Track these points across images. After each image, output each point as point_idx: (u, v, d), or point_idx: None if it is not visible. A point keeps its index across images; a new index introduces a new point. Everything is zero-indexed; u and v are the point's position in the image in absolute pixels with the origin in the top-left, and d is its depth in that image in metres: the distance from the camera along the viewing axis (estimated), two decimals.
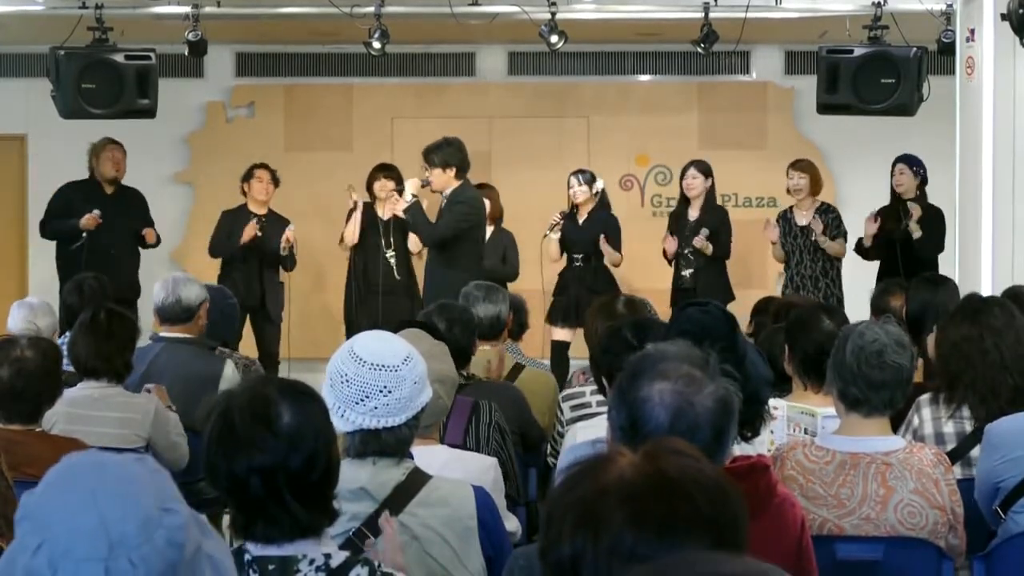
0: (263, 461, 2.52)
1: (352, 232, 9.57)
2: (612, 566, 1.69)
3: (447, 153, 8.43)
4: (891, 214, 9.36)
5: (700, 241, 9.35)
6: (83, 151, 9.82)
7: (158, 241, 9.79)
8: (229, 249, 9.68)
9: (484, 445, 4.53)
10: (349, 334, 9.33)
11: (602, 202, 9.61)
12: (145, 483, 1.66)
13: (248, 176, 9.88)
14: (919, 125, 9.69)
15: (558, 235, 9.49)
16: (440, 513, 3.09)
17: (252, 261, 9.75)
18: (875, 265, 9.44)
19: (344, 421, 3.04)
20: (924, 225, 9.08)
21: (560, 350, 9.43)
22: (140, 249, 9.73)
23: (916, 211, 9.08)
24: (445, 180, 8.42)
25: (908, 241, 9.08)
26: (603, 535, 1.69)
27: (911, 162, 9.34)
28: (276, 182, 9.91)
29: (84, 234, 9.28)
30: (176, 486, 1.70)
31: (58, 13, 9.49)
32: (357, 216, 9.53)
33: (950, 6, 9.06)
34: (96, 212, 9.28)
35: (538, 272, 9.54)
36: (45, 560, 1.59)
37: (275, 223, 9.83)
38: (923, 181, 9.31)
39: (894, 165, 9.40)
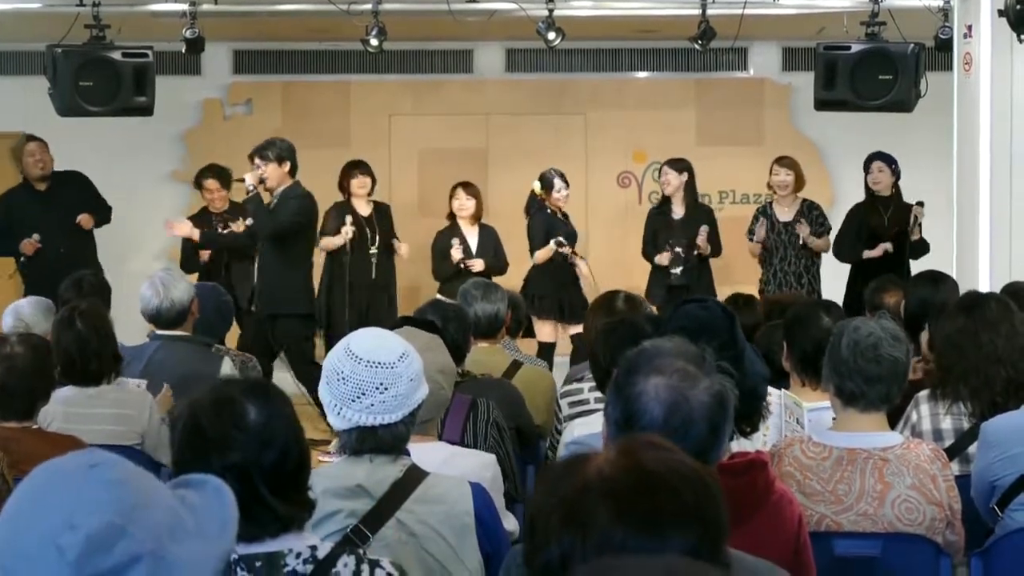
0: (236, 459, 2.52)
1: (333, 243, 9.51)
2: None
3: (281, 148, 8.51)
4: (868, 211, 9.39)
5: (703, 240, 9.39)
6: (81, 149, 9.82)
7: (101, 221, 9.74)
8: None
9: (482, 442, 4.53)
10: (329, 332, 9.32)
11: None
12: (57, 497, 1.63)
13: (199, 186, 9.99)
14: (916, 121, 9.69)
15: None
16: (438, 510, 3.09)
17: (220, 260, 9.75)
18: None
19: (341, 418, 3.04)
20: (901, 221, 9.16)
21: (546, 352, 9.44)
22: (94, 237, 9.73)
23: (922, 216, 9.10)
24: (280, 175, 8.48)
25: (899, 241, 9.12)
26: (591, 532, 1.69)
27: (888, 160, 9.38)
28: (228, 184, 9.91)
29: (23, 257, 9.42)
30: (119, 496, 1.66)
31: (55, 11, 9.48)
32: (342, 235, 9.48)
33: (947, 2, 9.05)
34: (35, 236, 9.37)
35: (519, 268, 9.60)
36: None
37: (237, 214, 9.84)
38: (897, 178, 9.37)
39: (870, 163, 9.43)
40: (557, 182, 9.64)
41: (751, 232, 9.67)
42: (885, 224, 9.28)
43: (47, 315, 6.15)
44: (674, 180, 9.63)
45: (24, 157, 9.69)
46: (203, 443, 2.54)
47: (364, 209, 9.64)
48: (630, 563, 1.54)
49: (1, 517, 1.64)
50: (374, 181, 9.78)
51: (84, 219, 9.64)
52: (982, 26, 8.04)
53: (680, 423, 2.52)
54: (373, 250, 9.53)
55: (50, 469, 1.69)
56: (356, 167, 9.77)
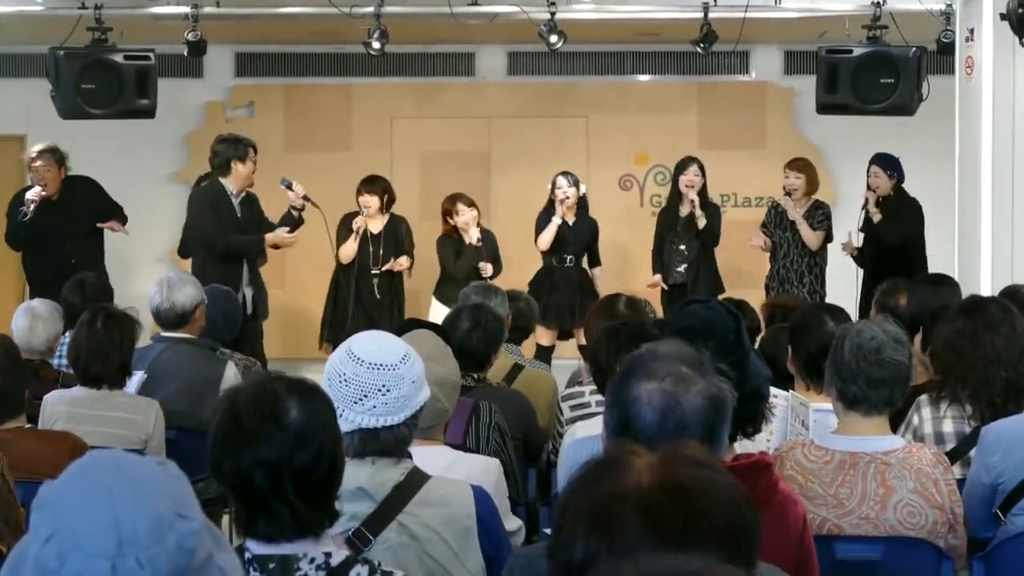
0: (268, 456, 2.50)
1: (350, 250, 9.49)
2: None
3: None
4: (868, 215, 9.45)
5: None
6: (83, 152, 9.81)
7: (123, 221, 9.63)
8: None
9: (484, 445, 4.53)
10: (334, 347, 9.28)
11: (582, 205, 9.65)
12: (162, 486, 1.66)
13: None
14: (918, 125, 9.70)
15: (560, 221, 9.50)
16: (439, 513, 3.09)
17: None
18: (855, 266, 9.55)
19: (343, 421, 3.03)
20: (886, 210, 9.19)
21: (544, 355, 9.42)
22: (103, 241, 9.60)
23: (871, 196, 9.22)
24: None
25: (876, 234, 9.19)
26: (617, 541, 1.68)
27: (883, 163, 9.38)
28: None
29: (27, 217, 9.17)
30: (194, 495, 1.70)
31: (57, 13, 9.48)
32: (355, 237, 9.45)
33: (949, 6, 9.06)
34: (38, 188, 9.18)
35: (523, 272, 9.57)
36: (55, 551, 1.59)
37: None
38: (899, 180, 9.37)
39: (868, 166, 9.44)
40: (558, 180, 9.59)
41: (763, 225, 9.70)
42: (862, 216, 9.41)
43: (57, 316, 6.16)
44: (698, 181, 9.60)
45: (30, 172, 9.57)
46: (238, 435, 2.53)
47: (375, 225, 9.54)
48: (657, 563, 1.54)
49: (67, 516, 1.62)
50: (384, 196, 9.55)
51: (114, 225, 9.48)
52: (984, 30, 8.04)
53: (674, 427, 2.51)
54: (375, 271, 9.47)
55: (116, 461, 1.69)
56: (364, 183, 9.57)
